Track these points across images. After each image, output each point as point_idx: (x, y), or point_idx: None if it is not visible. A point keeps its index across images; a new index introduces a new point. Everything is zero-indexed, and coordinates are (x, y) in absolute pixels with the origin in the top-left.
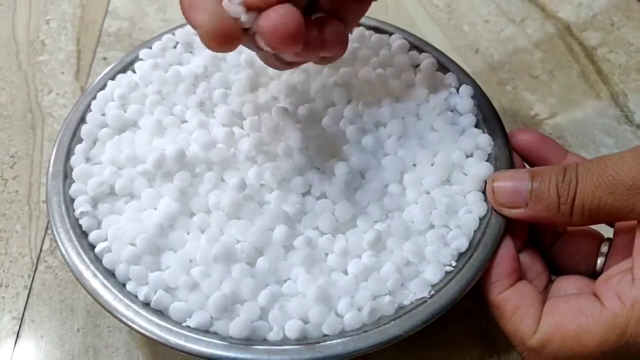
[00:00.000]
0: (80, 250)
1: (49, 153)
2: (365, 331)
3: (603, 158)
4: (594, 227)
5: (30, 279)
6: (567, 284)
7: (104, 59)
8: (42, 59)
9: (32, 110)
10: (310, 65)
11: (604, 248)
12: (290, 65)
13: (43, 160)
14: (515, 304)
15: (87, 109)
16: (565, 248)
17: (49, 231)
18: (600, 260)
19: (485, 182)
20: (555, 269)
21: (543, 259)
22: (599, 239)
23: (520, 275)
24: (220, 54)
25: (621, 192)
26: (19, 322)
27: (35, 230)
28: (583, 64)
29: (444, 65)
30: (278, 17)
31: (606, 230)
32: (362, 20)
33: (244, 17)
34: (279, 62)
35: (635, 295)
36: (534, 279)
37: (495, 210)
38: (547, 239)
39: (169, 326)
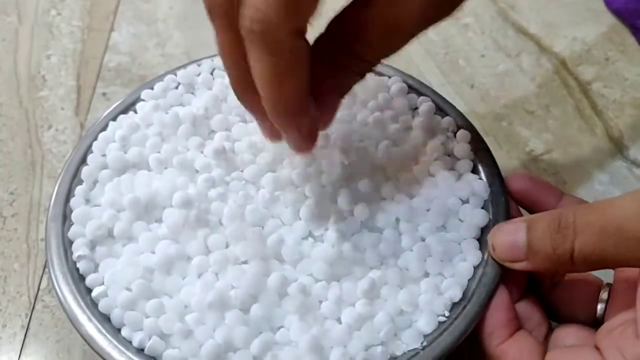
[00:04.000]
0: (77, 295)
1: (47, 190)
2: None
3: (601, 206)
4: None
5: (28, 319)
6: (568, 334)
7: (104, 94)
8: (42, 94)
9: (32, 146)
10: None
11: (604, 294)
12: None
13: (42, 198)
14: (514, 355)
15: (88, 149)
16: (564, 295)
17: (47, 270)
18: (600, 307)
19: (481, 230)
20: (554, 315)
21: (542, 307)
22: (598, 284)
23: (518, 325)
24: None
25: (625, 245)
26: None
27: (33, 268)
28: (578, 99)
29: (442, 108)
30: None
31: (605, 274)
32: None
33: None
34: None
35: (638, 352)
36: (533, 329)
37: (495, 260)
38: (545, 286)
39: None
